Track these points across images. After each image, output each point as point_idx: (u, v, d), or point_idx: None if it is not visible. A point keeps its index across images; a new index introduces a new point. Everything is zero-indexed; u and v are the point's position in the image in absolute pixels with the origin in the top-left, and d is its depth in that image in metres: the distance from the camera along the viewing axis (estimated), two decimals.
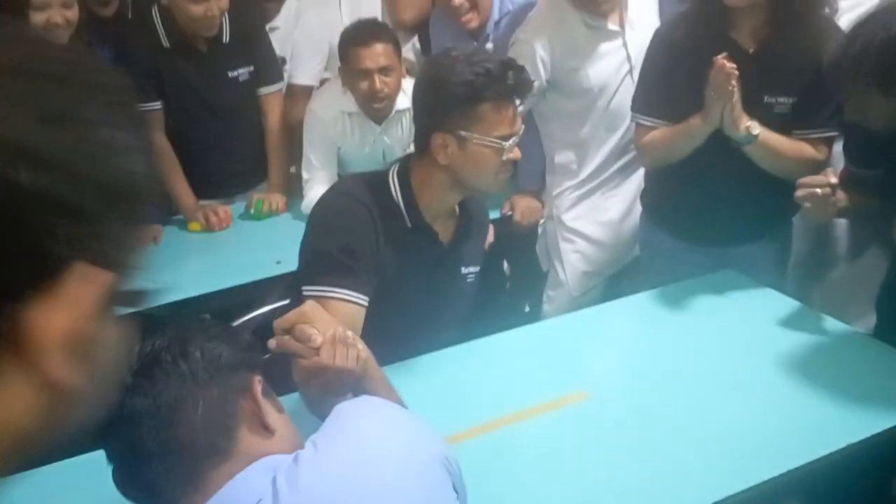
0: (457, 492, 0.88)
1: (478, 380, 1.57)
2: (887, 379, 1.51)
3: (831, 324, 1.71)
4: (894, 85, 1.39)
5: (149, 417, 0.76)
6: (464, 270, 1.63)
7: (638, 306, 1.86)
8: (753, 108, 1.70)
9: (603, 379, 1.58)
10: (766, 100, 1.74)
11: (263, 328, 1.43)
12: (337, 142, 2.39)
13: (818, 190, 1.56)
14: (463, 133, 1.44)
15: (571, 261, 2.28)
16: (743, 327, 1.71)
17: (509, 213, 2.41)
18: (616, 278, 2.33)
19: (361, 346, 1.05)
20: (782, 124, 1.75)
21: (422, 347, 1.60)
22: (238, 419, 0.80)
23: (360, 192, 1.50)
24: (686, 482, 1.27)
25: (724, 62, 1.63)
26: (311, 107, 2.43)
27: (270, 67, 2.53)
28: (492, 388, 1.54)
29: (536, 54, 2.09)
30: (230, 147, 2.51)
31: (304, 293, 1.40)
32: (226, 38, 2.38)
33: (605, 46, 2.10)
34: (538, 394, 1.50)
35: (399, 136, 2.38)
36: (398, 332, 1.53)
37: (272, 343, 1.03)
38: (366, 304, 1.44)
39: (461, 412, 1.45)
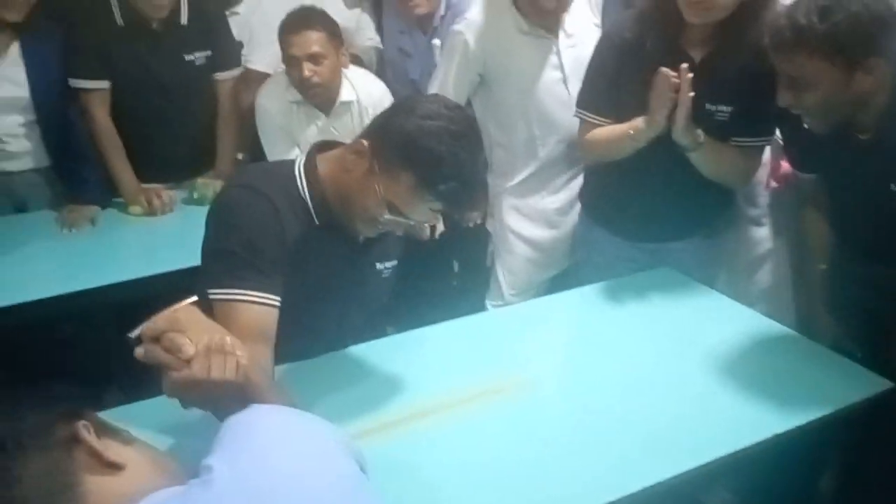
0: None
1: (419, 368, 1.57)
2: (814, 375, 1.55)
3: (761, 320, 1.76)
4: (829, 48, 1.42)
5: None
6: (378, 266, 1.55)
7: (576, 301, 1.88)
8: (696, 114, 1.74)
9: (542, 369, 1.59)
10: (707, 107, 1.78)
11: None
12: (289, 132, 2.36)
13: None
14: (376, 166, 1.30)
15: (507, 262, 2.30)
16: (676, 323, 1.75)
17: None
18: (554, 283, 2.34)
19: (241, 352, 0.96)
20: (721, 131, 1.80)
21: (332, 341, 1.56)
22: (76, 471, 0.73)
23: (262, 184, 1.37)
24: (618, 469, 1.29)
25: (668, 72, 1.66)
26: (258, 102, 2.40)
27: (228, 53, 2.50)
28: (427, 378, 1.54)
29: (468, 46, 2.12)
30: (180, 131, 2.46)
31: (211, 296, 1.30)
32: (183, 19, 2.34)
33: (536, 53, 2.12)
34: (477, 381, 1.51)
35: (349, 128, 2.36)
36: (307, 328, 1.45)
37: (139, 352, 0.92)
38: (277, 304, 1.34)
39: (400, 400, 1.45)
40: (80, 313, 1.95)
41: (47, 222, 2.27)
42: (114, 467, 0.75)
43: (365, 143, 1.34)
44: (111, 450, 0.76)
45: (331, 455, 0.80)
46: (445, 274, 2.79)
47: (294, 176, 1.43)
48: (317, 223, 1.42)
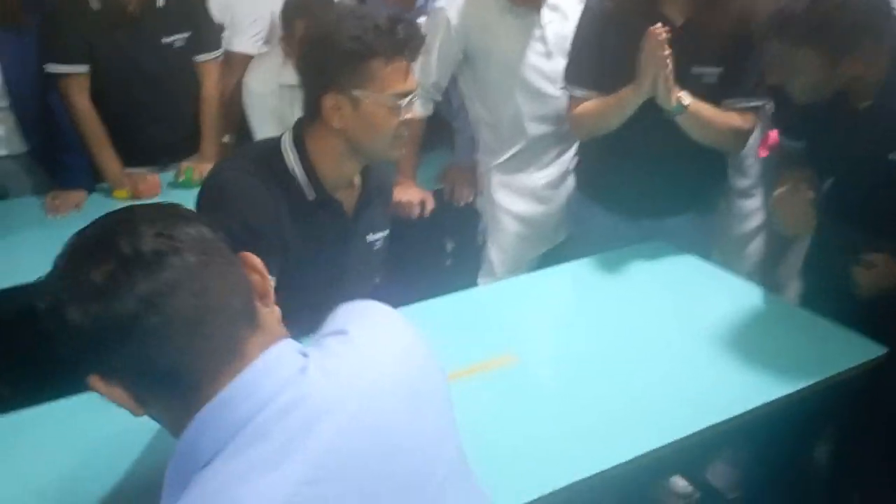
0: None
1: None
2: (808, 342, 1.55)
3: (754, 291, 1.76)
4: (816, 39, 1.43)
5: (183, 282, 0.68)
6: (370, 238, 1.57)
7: (568, 275, 1.87)
8: (683, 79, 1.74)
9: (531, 343, 1.58)
10: (694, 71, 1.78)
11: None
12: (281, 115, 2.33)
13: (796, 210, 1.64)
14: (356, 93, 1.36)
15: (498, 239, 2.29)
16: (669, 294, 1.75)
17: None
18: (546, 260, 2.32)
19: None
20: (711, 94, 1.79)
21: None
22: (252, 289, 0.77)
23: (253, 166, 1.40)
24: (612, 439, 1.28)
25: (656, 30, 1.65)
26: (246, 82, 2.37)
27: (208, 34, 2.46)
28: None
29: (450, 24, 2.09)
30: (162, 115, 2.42)
31: None
32: (161, 1, 2.31)
33: (518, 27, 2.09)
34: (467, 357, 1.50)
35: None
36: (303, 305, 1.46)
37: None
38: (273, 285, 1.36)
39: None
40: None
41: (30, 209, 2.24)
42: (267, 299, 0.79)
43: (326, 96, 1.37)
44: (269, 285, 0.80)
45: (428, 346, 0.89)
46: (438, 254, 2.78)
47: (281, 153, 1.43)
48: (309, 198, 1.43)
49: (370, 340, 0.81)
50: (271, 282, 0.81)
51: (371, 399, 0.75)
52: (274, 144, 1.46)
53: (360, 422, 0.73)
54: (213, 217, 1.34)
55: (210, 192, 1.41)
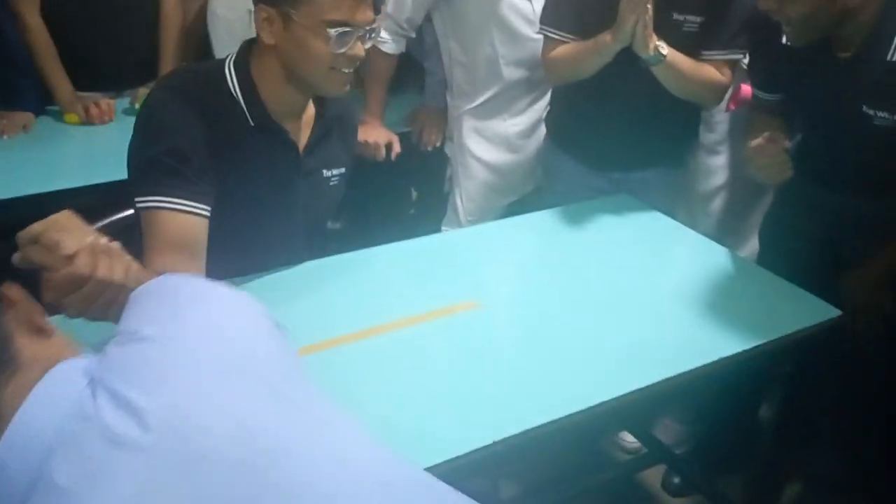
0: None
1: (368, 286, 1.53)
2: (763, 301, 1.56)
3: (715, 248, 1.76)
4: None
5: None
6: (326, 173, 1.50)
7: (532, 225, 1.85)
8: (663, 26, 1.70)
9: (493, 290, 1.57)
10: (674, 17, 1.74)
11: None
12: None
13: (773, 159, 1.60)
14: (289, 10, 1.26)
15: (465, 187, 2.25)
16: (629, 248, 1.74)
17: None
18: (513, 210, 2.29)
19: (129, 258, 0.90)
20: (690, 44, 1.76)
21: (280, 255, 1.49)
22: (10, 328, 0.69)
23: (189, 85, 1.33)
24: (565, 389, 1.27)
25: None
26: (212, 6, 2.26)
27: None
28: (382, 295, 1.51)
29: None
30: (119, 37, 2.31)
31: (137, 205, 1.27)
32: None
33: None
34: (428, 302, 1.48)
35: None
36: (249, 241, 1.40)
37: (15, 258, 0.84)
38: (206, 213, 1.29)
39: (349, 317, 1.40)
40: (10, 222, 1.85)
41: None
42: (43, 332, 0.72)
43: (260, 6, 1.30)
44: (41, 315, 0.73)
45: (257, 311, 0.78)
46: (403, 202, 2.74)
47: (224, 76, 1.36)
48: (251, 123, 1.36)
49: (166, 336, 0.71)
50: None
51: (176, 408, 0.64)
52: (218, 65, 1.38)
53: (166, 440, 0.62)
54: (144, 138, 1.31)
55: (144, 112, 1.34)
